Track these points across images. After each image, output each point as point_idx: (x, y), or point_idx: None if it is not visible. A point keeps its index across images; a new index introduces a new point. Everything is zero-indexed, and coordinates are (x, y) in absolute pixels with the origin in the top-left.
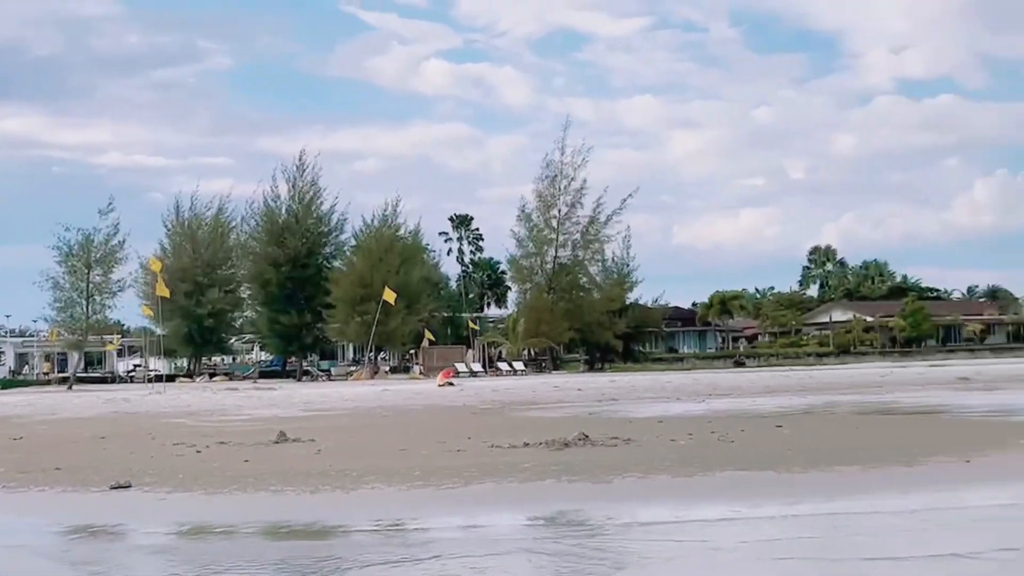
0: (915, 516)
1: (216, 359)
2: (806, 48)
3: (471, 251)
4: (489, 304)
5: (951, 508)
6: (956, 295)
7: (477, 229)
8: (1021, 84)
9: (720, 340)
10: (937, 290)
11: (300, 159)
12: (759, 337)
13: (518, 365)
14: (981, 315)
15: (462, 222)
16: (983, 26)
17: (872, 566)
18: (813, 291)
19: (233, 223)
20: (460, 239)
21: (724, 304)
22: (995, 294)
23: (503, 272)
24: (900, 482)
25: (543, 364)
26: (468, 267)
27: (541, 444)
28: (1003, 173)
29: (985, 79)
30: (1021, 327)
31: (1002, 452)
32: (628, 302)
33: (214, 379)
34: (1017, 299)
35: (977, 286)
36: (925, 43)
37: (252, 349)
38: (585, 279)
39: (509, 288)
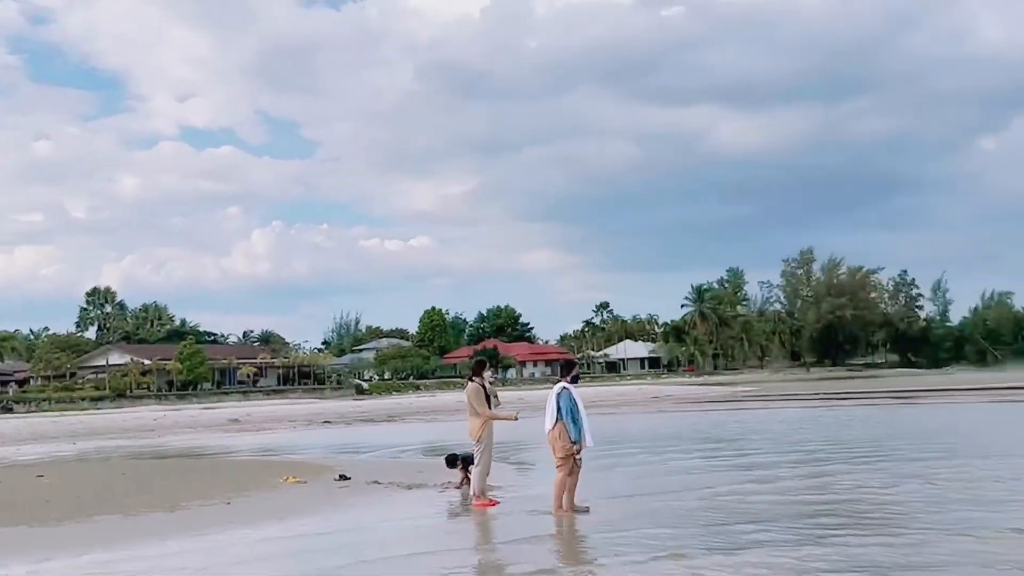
0: (170, 559)
1: None
2: (92, 85)
3: None
4: None
5: (206, 549)
6: (232, 339)
7: None
8: (293, 143)
9: None
10: (215, 334)
11: None
12: (31, 381)
13: None
14: (255, 359)
15: None
16: (262, 85)
17: None
18: (91, 333)
19: None
20: None
21: None
22: (268, 339)
23: None
24: (161, 528)
25: None
26: None
27: None
28: (279, 225)
29: (264, 135)
30: (290, 370)
31: (260, 491)
32: None
33: None
34: (288, 343)
35: (252, 331)
36: (210, 94)
37: None
38: None
39: None
